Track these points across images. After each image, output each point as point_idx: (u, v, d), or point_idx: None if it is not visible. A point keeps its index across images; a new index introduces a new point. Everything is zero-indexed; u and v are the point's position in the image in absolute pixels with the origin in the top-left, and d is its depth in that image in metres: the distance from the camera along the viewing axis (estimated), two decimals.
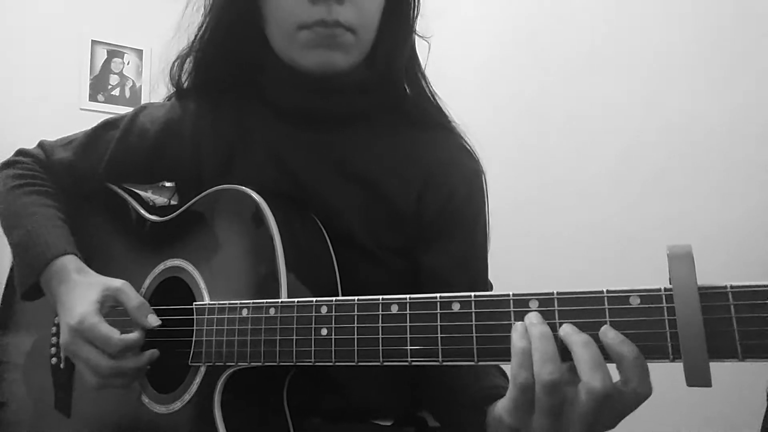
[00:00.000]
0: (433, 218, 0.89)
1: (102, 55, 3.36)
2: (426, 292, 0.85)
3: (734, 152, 1.65)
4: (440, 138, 0.94)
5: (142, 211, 0.97)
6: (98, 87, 3.33)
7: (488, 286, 0.95)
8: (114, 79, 3.38)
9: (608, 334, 0.53)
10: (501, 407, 0.61)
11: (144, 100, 3.39)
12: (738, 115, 1.65)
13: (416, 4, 0.94)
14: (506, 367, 0.60)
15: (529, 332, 0.55)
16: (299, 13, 0.81)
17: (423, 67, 0.97)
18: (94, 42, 3.34)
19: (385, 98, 0.93)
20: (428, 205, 0.89)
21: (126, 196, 1.00)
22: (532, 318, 0.56)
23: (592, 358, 0.53)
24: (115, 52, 3.40)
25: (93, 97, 3.30)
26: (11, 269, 0.97)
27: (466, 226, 0.91)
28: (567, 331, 0.55)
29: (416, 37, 0.96)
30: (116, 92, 3.38)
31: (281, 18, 0.83)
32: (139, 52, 3.45)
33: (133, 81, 3.42)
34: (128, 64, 3.43)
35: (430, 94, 0.96)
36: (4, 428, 1.00)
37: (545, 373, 0.53)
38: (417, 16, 0.94)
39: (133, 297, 0.82)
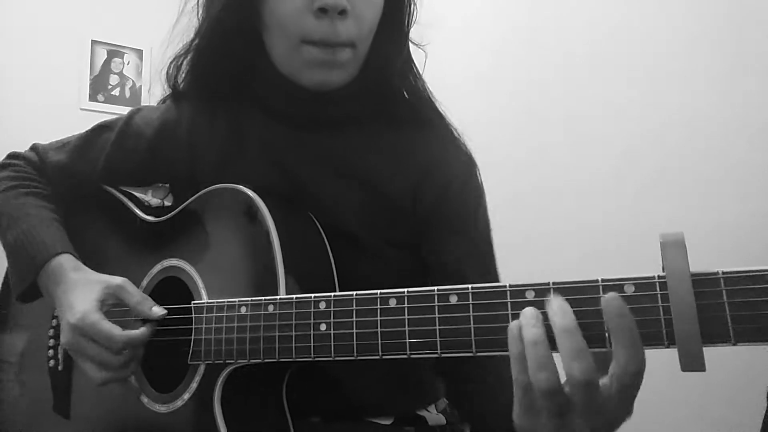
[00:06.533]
0: (431, 212, 0.89)
1: (102, 55, 3.36)
2: None
3: (734, 152, 1.65)
4: (433, 135, 0.94)
5: (138, 212, 0.97)
6: (98, 87, 3.33)
7: (498, 277, 0.94)
8: (114, 79, 3.38)
9: (612, 303, 0.51)
10: (513, 412, 0.59)
11: (144, 100, 3.39)
12: (738, 115, 1.64)
13: (411, 11, 0.93)
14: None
15: (522, 334, 0.54)
16: (303, 27, 0.80)
17: (420, 70, 0.96)
18: (94, 42, 3.33)
19: (380, 101, 0.93)
20: (424, 198, 0.90)
21: (121, 197, 1.00)
22: (528, 317, 0.55)
23: (571, 347, 0.52)
24: (115, 52, 3.40)
25: (93, 97, 3.30)
26: (7, 270, 0.97)
27: (464, 217, 0.92)
28: (554, 309, 0.54)
29: (411, 40, 0.95)
30: (116, 92, 3.38)
31: (284, 29, 0.82)
32: (139, 52, 3.45)
33: (133, 81, 3.42)
34: (128, 64, 3.42)
35: (426, 96, 0.96)
36: (14, 426, 0.99)
37: (541, 380, 0.53)
38: (412, 24, 0.94)
39: (133, 293, 0.83)
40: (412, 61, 0.95)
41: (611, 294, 0.52)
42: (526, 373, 0.54)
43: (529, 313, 0.55)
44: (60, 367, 0.94)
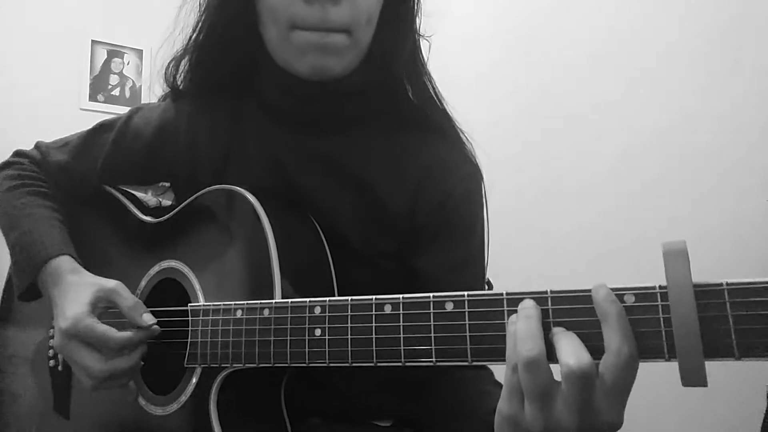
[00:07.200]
0: (427, 220, 0.87)
1: (102, 55, 3.36)
2: None
3: (734, 153, 1.64)
4: (438, 140, 0.92)
5: (138, 213, 0.97)
6: (98, 87, 3.33)
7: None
8: (114, 79, 3.38)
9: (600, 291, 0.52)
10: (499, 399, 0.59)
11: (144, 100, 3.39)
12: (737, 115, 1.64)
13: (417, 1, 0.90)
14: (501, 368, 0.60)
15: (518, 315, 0.55)
16: (293, 12, 0.79)
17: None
18: (94, 42, 3.34)
19: (384, 100, 0.91)
20: (422, 207, 0.88)
21: (121, 197, 1.00)
22: (525, 303, 0.55)
23: (569, 342, 0.52)
24: (115, 52, 3.39)
25: (93, 97, 3.30)
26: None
27: (461, 228, 0.89)
28: (554, 330, 0.54)
29: (419, 38, 0.92)
30: (116, 92, 3.38)
31: (274, 15, 0.81)
32: (139, 52, 3.45)
33: (133, 81, 3.42)
34: (128, 64, 3.42)
35: (434, 97, 0.93)
36: (18, 422, 0.99)
37: (524, 350, 0.52)
38: (418, 15, 0.91)
39: (127, 297, 0.81)
40: (421, 55, 0.93)
41: (599, 283, 0.52)
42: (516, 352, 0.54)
43: (527, 301, 0.56)
44: (60, 368, 0.94)
